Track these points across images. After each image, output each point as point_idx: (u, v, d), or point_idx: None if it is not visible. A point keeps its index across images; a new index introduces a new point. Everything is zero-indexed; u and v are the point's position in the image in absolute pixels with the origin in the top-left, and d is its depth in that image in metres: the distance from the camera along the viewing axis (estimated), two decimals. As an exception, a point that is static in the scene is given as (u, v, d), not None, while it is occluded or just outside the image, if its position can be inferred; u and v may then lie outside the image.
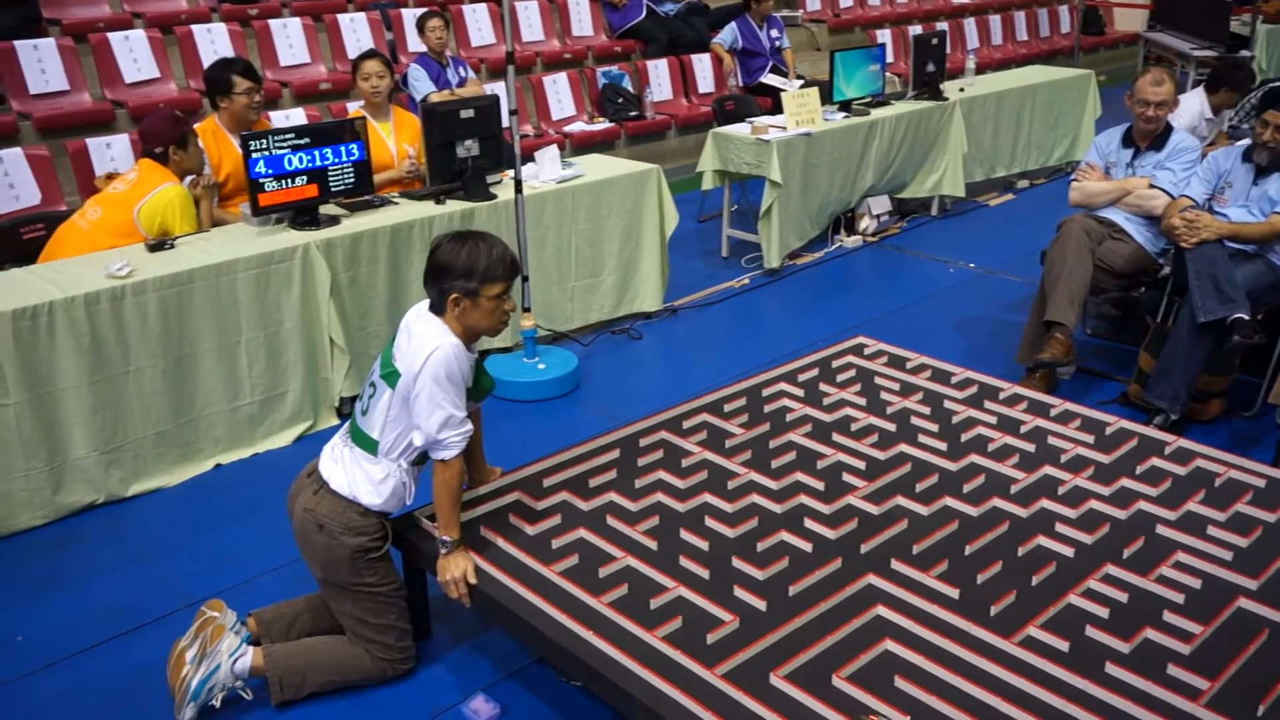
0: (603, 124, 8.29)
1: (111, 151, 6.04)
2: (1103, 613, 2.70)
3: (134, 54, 6.84)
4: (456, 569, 2.89)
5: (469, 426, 2.90)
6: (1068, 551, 2.96)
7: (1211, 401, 4.54)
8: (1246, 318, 4.15)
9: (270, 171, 4.37)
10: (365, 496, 2.92)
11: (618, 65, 8.85)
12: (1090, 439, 3.59)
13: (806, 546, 2.99)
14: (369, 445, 2.94)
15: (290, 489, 3.06)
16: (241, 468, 4.28)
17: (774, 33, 9.06)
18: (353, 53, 7.36)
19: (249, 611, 3.13)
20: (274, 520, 3.65)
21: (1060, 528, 3.07)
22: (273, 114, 6.70)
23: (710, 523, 3.11)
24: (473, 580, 2.88)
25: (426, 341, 2.81)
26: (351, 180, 4.64)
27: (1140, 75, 4.84)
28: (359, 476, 2.93)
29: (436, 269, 2.84)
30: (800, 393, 3.95)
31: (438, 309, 2.87)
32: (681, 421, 3.72)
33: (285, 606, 3.18)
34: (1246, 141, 4.59)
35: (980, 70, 8.71)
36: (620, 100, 8.51)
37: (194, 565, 3.66)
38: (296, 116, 6.63)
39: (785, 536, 3.04)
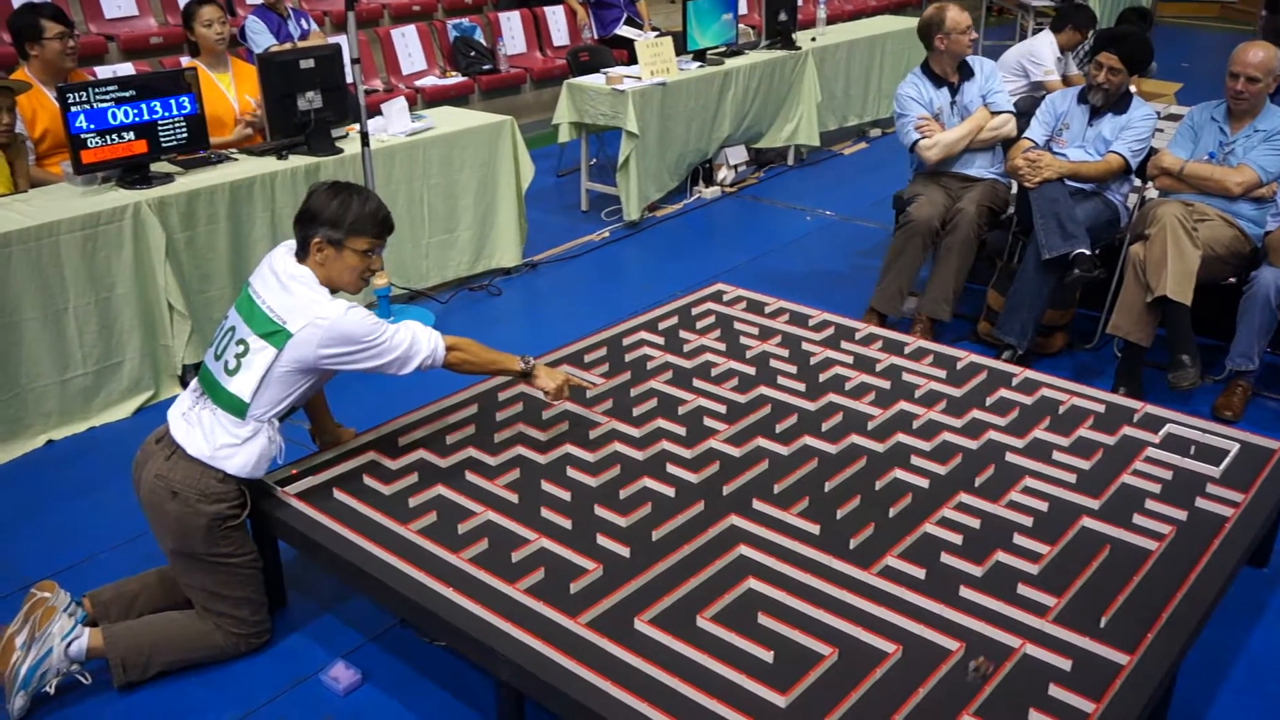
0: (455, 78, 8.08)
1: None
2: (956, 539, 2.77)
3: (-62, 6, 6.32)
4: (556, 377, 3.09)
5: (417, 334, 2.83)
6: (922, 483, 3.03)
7: (1056, 335, 4.72)
8: (1087, 252, 4.30)
9: (93, 126, 4.09)
10: (229, 461, 2.74)
11: (469, 18, 8.63)
12: (942, 374, 3.67)
13: (669, 491, 2.98)
14: (235, 406, 2.74)
15: (136, 458, 2.87)
16: (76, 443, 4.04)
17: (628, -16, 8.97)
18: (184, 4, 6.98)
19: (84, 593, 2.94)
20: (113, 496, 3.46)
21: (915, 460, 3.14)
22: (99, 69, 6.31)
23: (572, 473, 3.07)
24: (570, 380, 3.14)
25: (308, 311, 2.69)
26: (184, 135, 4.38)
27: (941, 12, 4.79)
28: (222, 438, 2.75)
29: (306, 214, 2.76)
30: (660, 340, 3.92)
31: (303, 257, 2.78)
32: (541, 374, 3.65)
33: (126, 584, 2.99)
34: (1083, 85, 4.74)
35: (831, 21, 8.80)
36: (473, 54, 8.31)
37: (26, 546, 3.43)
38: (125, 73, 6.23)
39: (648, 483, 3.02)
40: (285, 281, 2.75)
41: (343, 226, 2.73)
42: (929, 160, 4.84)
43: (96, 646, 2.76)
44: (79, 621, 2.78)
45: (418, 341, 2.83)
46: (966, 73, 4.90)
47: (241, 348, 2.75)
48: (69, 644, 2.72)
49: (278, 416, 2.82)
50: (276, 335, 2.71)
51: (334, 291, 2.81)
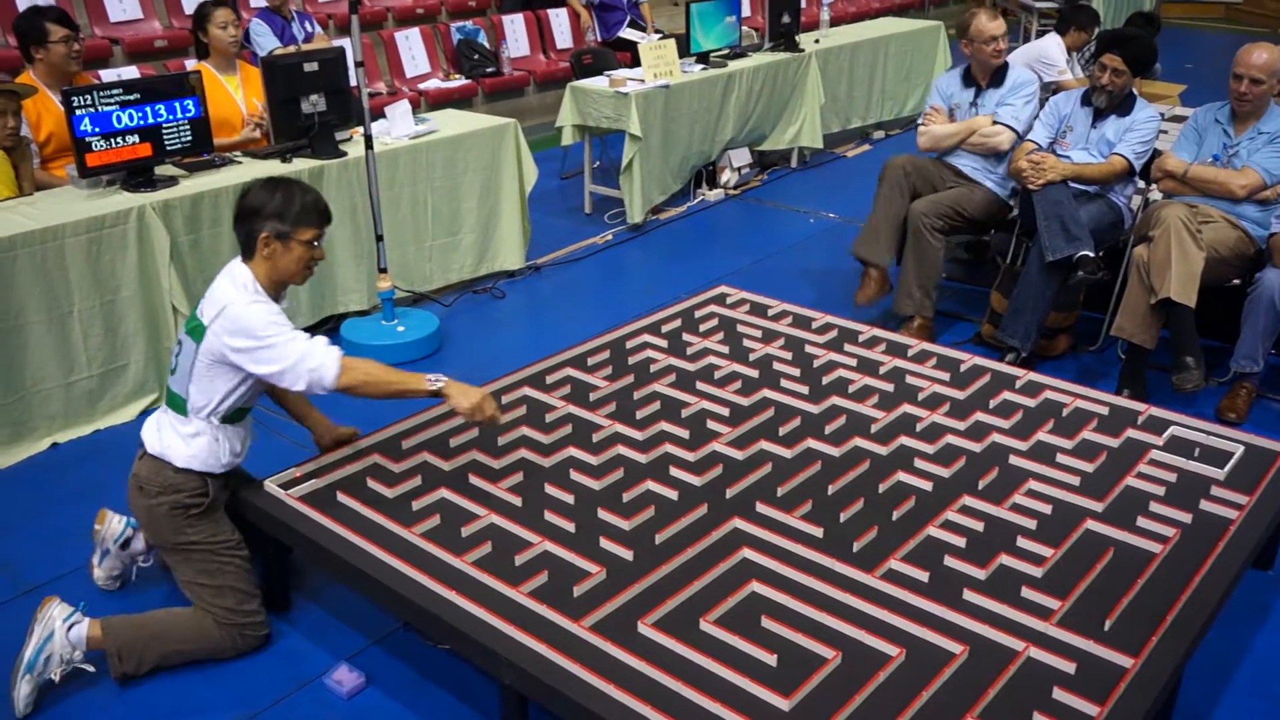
0: (459, 81, 8.09)
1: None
2: (960, 542, 2.76)
3: (-57, 10, 6.34)
4: (471, 395, 2.90)
5: (311, 351, 2.75)
6: (926, 486, 3.02)
7: (1059, 337, 4.71)
8: (1091, 255, 4.30)
9: (97, 130, 4.09)
10: (176, 455, 2.84)
11: (472, 20, 8.64)
12: (946, 376, 3.67)
13: (672, 494, 2.98)
14: (178, 405, 2.87)
15: None
16: (81, 446, 4.04)
17: (631, -14, 8.98)
18: (189, 8, 6.97)
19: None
20: (117, 499, 3.44)
21: (919, 463, 3.13)
22: (104, 73, 6.32)
23: (575, 476, 3.07)
24: (489, 399, 2.93)
25: (220, 301, 2.76)
26: (189, 138, 4.39)
27: (971, 18, 4.90)
28: (170, 435, 2.87)
29: (247, 211, 2.81)
30: (664, 343, 3.92)
31: (247, 253, 2.84)
32: (544, 376, 3.66)
33: None
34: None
35: (834, 23, 8.80)
36: (476, 56, 8.31)
37: (30, 549, 3.44)
38: (130, 76, 6.25)
39: (651, 486, 3.02)
40: (219, 280, 2.84)
41: (288, 219, 2.79)
42: (918, 146, 5.11)
43: (95, 636, 2.80)
44: (79, 608, 2.82)
45: (307, 359, 2.75)
46: (998, 80, 4.93)
47: (178, 347, 2.89)
48: (70, 627, 2.76)
49: (218, 417, 2.87)
50: (196, 329, 2.80)
51: (283, 287, 2.89)
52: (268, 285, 2.83)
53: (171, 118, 4.31)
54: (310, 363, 2.75)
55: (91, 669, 2.82)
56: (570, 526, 2.84)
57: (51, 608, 2.78)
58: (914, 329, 4.70)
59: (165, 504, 2.83)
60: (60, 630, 2.74)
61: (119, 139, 4.16)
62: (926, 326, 4.75)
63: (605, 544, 2.76)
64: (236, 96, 5.10)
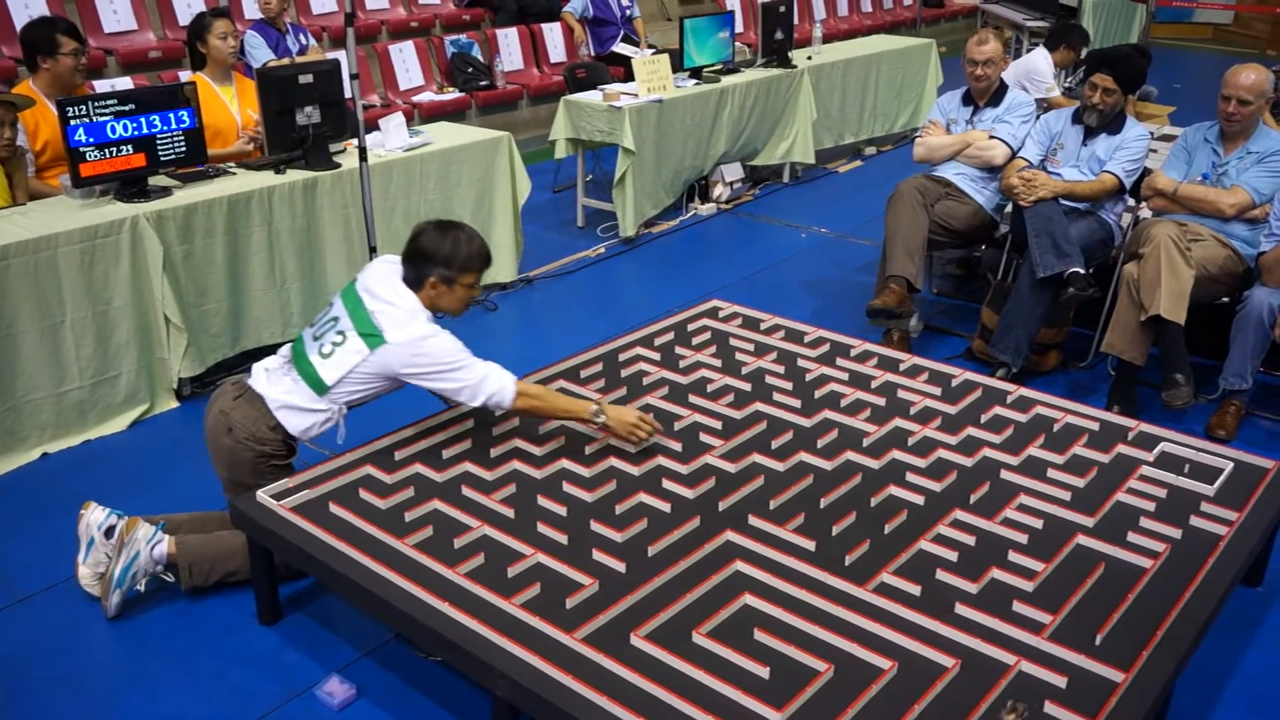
0: (453, 94, 8.12)
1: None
2: (952, 556, 2.77)
3: (-62, 19, 6.34)
4: (628, 416, 3.14)
5: (491, 375, 3.08)
6: (918, 500, 3.03)
7: (1050, 353, 4.73)
8: (1081, 271, 4.33)
9: (91, 140, 4.10)
10: (290, 419, 3.10)
11: (466, 34, 8.67)
12: (937, 391, 3.69)
13: (665, 507, 2.98)
14: (317, 385, 3.09)
15: (212, 396, 3.23)
16: (72, 456, 4.03)
17: (625, 1, 9.01)
18: (184, 19, 7.01)
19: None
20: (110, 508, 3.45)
21: (910, 477, 3.14)
22: (98, 84, 6.32)
23: (568, 488, 3.07)
24: (646, 416, 3.18)
25: (405, 326, 3.02)
26: (183, 149, 4.39)
27: (969, 37, 5.01)
28: (294, 403, 3.10)
29: (421, 254, 3.08)
30: (657, 356, 3.93)
31: (415, 286, 3.09)
32: (537, 389, 3.66)
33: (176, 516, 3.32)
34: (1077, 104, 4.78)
35: (827, 40, 8.86)
36: (470, 70, 8.34)
37: (22, 559, 3.42)
38: (124, 87, 6.25)
39: (644, 498, 3.02)
40: (394, 298, 3.08)
41: (455, 265, 3.07)
42: (914, 156, 5.16)
43: (171, 552, 3.11)
44: (159, 529, 3.12)
45: (487, 381, 3.07)
46: (995, 100, 4.99)
47: (340, 338, 3.09)
48: (153, 547, 3.09)
49: (348, 404, 3.17)
50: (373, 339, 3.04)
51: (437, 314, 3.15)
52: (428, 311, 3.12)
53: (166, 128, 4.32)
54: (491, 386, 3.07)
55: (171, 579, 3.16)
56: (563, 538, 2.84)
57: (137, 530, 3.06)
58: (896, 340, 4.74)
59: (254, 451, 3.09)
60: (145, 550, 3.07)
61: (113, 149, 4.16)
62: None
63: (598, 556, 2.76)
64: (232, 108, 5.10)
